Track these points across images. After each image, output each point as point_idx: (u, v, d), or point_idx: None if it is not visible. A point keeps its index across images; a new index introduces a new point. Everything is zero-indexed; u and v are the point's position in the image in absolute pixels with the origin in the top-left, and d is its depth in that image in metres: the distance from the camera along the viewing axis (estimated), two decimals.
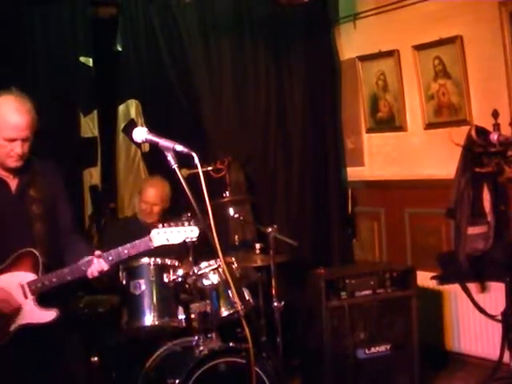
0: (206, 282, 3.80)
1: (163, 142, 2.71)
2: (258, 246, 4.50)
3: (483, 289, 4.87)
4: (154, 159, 4.64)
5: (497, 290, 4.68)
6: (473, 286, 4.86)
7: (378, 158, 5.85)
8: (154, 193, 4.42)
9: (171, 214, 4.47)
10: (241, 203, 4.89)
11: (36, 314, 3.02)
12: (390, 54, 5.49)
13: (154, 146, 2.78)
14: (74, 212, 3.36)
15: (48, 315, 3.04)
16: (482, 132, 4.57)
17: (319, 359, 4.40)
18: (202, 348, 3.62)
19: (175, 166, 2.67)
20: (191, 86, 5.13)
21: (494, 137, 4.22)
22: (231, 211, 4.66)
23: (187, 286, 3.78)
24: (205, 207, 2.60)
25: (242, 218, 4.67)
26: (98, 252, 3.11)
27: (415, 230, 5.51)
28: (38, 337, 3.02)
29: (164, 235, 3.14)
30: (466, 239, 4.57)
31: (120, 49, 4.93)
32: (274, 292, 4.31)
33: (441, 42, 5.06)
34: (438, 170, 5.16)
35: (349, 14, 5.82)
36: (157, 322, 3.69)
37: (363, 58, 5.73)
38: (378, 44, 5.56)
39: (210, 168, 4.69)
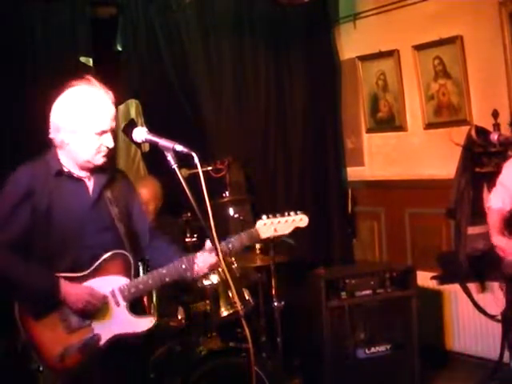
0: (205, 282, 3.80)
1: (163, 142, 2.70)
2: (257, 245, 4.50)
3: (483, 289, 4.87)
4: (153, 159, 4.64)
5: (497, 289, 4.68)
6: (473, 286, 4.86)
7: (378, 158, 5.85)
8: (146, 192, 4.42)
9: (171, 213, 4.47)
10: (241, 203, 4.88)
11: (130, 323, 2.73)
12: (389, 53, 5.49)
13: (153, 146, 2.78)
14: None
15: (144, 323, 2.77)
16: (482, 132, 4.57)
17: (319, 359, 4.40)
18: (201, 348, 3.62)
19: (175, 166, 2.67)
20: (191, 86, 5.13)
21: (494, 137, 4.22)
22: (231, 211, 4.66)
23: (187, 285, 3.78)
24: (205, 207, 2.60)
25: (242, 217, 4.67)
26: (209, 245, 2.83)
27: (415, 229, 5.51)
28: (131, 349, 2.76)
29: (271, 226, 2.94)
30: (466, 239, 4.58)
31: (120, 49, 4.93)
32: (273, 292, 4.30)
33: (441, 42, 5.06)
34: (438, 169, 5.16)
35: (349, 14, 5.82)
36: (157, 322, 3.68)
37: (363, 58, 5.73)
38: (378, 44, 5.56)
39: (209, 168, 4.68)
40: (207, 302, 3.76)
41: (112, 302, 2.74)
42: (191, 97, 5.11)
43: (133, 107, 4.92)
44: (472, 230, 4.57)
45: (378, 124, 5.77)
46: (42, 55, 4.50)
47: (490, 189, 4.52)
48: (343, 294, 4.44)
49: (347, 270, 4.94)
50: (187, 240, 4.04)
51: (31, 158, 2.87)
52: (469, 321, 5.03)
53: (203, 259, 2.85)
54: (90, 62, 4.65)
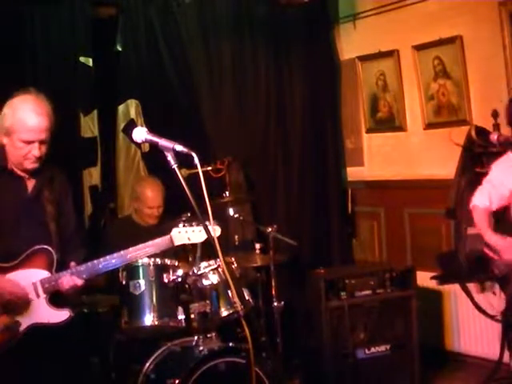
0: (205, 282, 3.80)
1: (163, 142, 2.70)
2: (257, 245, 4.51)
3: (483, 289, 4.87)
4: (153, 159, 4.64)
5: (496, 290, 4.68)
6: (473, 286, 4.86)
7: (377, 158, 5.85)
8: (156, 196, 4.43)
9: (171, 214, 4.47)
10: (241, 203, 4.89)
11: (48, 314, 2.96)
12: (389, 54, 5.49)
13: (153, 146, 2.78)
14: (78, 221, 3.34)
15: (60, 315, 2.98)
16: (481, 132, 4.57)
17: (319, 359, 4.40)
18: (201, 348, 3.62)
19: (175, 166, 2.67)
20: (191, 86, 5.13)
21: (493, 137, 4.21)
22: (231, 211, 4.66)
23: (187, 286, 3.78)
24: (205, 207, 2.60)
25: (241, 217, 4.68)
26: (73, 263, 3.06)
27: (415, 229, 5.51)
28: (49, 337, 2.96)
29: (185, 234, 3.13)
30: (466, 239, 4.57)
31: (120, 49, 4.93)
32: (273, 292, 4.31)
33: (441, 42, 5.06)
34: (438, 169, 5.16)
35: (349, 14, 5.82)
36: (156, 322, 3.69)
37: (363, 58, 5.73)
38: (377, 44, 5.56)
39: (209, 168, 4.68)
40: (207, 301, 3.76)
41: (33, 293, 2.96)
42: (191, 97, 5.12)
43: (133, 107, 4.91)
44: (472, 230, 4.56)
45: (378, 124, 5.77)
46: (42, 55, 4.50)
47: None
48: (343, 294, 4.44)
49: (347, 270, 4.94)
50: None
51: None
52: (469, 321, 5.03)
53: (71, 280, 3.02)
54: (90, 62, 4.65)
